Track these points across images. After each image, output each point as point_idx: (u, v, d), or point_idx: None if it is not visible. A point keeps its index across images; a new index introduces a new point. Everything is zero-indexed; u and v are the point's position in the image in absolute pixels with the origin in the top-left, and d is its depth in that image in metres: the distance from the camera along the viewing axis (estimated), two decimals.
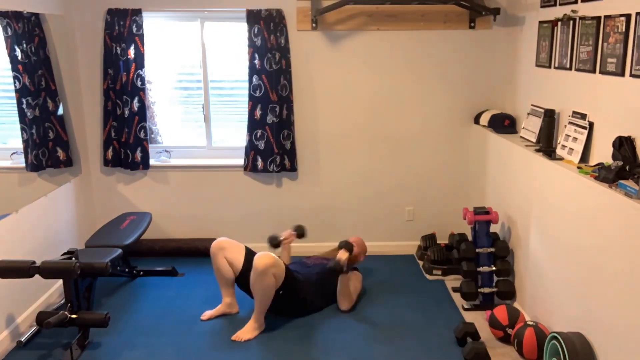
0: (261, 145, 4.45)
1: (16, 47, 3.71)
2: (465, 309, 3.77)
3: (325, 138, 4.58)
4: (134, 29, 4.29)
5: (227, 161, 4.65)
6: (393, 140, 4.58)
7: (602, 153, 2.92)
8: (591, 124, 3.04)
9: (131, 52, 4.32)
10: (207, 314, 3.71)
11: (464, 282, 3.76)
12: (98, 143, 4.57)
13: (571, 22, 3.26)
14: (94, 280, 3.60)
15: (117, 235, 3.96)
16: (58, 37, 4.10)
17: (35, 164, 3.95)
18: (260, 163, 4.49)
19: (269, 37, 4.28)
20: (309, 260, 4.00)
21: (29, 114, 3.85)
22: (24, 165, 3.88)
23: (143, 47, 4.33)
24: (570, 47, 3.28)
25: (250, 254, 3.65)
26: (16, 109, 3.80)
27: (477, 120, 4.49)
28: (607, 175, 2.63)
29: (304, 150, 4.58)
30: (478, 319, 3.58)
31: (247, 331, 3.47)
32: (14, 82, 3.75)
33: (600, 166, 2.76)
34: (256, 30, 4.28)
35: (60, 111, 4.14)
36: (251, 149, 4.48)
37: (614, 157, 2.69)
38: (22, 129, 3.85)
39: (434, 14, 4.35)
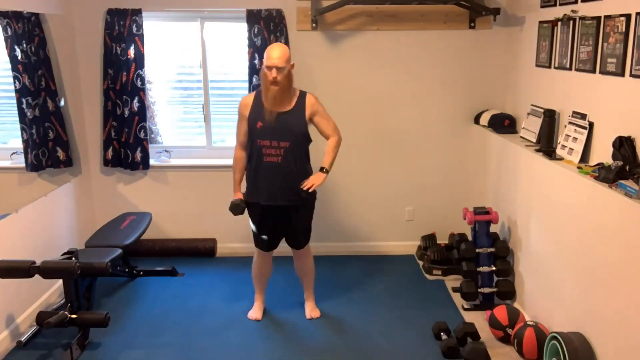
0: None
1: (16, 47, 3.71)
2: (465, 309, 3.77)
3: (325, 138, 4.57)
4: (134, 29, 4.29)
5: (227, 161, 4.62)
6: (393, 140, 4.58)
7: (602, 153, 2.91)
8: (591, 124, 3.04)
9: (131, 52, 4.32)
10: (257, 314, 3.70)
11: (464, 282, 3.76)
12: (98, 143, 4.57)
13: (571, 22, 3.26)
14: (94, 280, 3.61)
15: (117, 235, 3.96)
16: (58, 37, 4.09)
17: (35, 164, 3.95)
18: None
19: (269, 37, 4.28)
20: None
21: (29, 114, 3.85)
22: (24, 165, 3.89)
23: (143, 47, 4.33)
24: (570, 47, 3.28)
25: None
26: (16, 109, 3.80)
27: (477, 120, 4.49)
28: (607, 175, 2.63)
29: None
30: (478, 319, 3.58)
31: (314, 308, 3.74)
32: (14, 82, 3.75)
33: (600, 166, 2.76)
34: (256, 30, 4.28)
35: (62, 103, 4.13)
36: None
37: (614, 157, 2.69)
38: (22, 129, 3.85)
39: (434, 14, 4.35)
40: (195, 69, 4.60)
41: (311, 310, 3.72)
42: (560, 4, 3.40)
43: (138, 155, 4.48)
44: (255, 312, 3.71)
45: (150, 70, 4.55)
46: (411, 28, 4.38)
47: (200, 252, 4.66)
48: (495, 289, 3.72)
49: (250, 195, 3.48)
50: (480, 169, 4.45)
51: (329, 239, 4.66)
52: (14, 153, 3.92)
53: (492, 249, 3.73)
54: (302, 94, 3.43)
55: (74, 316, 3.26)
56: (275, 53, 3.23)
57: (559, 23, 3.41)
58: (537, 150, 3.43)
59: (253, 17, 4.26)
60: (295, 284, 3.86)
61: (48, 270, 3.16)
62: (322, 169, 3.41)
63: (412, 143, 4.59)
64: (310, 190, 3.31)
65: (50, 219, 3.97)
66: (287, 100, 3.36)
